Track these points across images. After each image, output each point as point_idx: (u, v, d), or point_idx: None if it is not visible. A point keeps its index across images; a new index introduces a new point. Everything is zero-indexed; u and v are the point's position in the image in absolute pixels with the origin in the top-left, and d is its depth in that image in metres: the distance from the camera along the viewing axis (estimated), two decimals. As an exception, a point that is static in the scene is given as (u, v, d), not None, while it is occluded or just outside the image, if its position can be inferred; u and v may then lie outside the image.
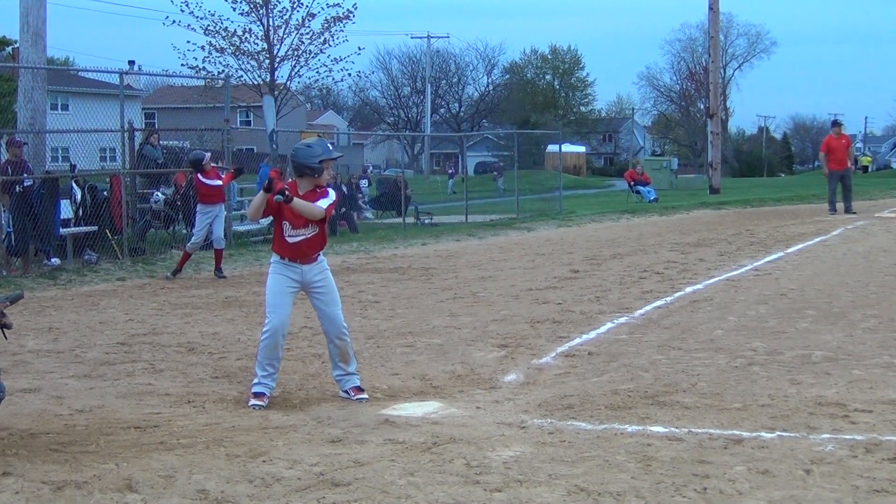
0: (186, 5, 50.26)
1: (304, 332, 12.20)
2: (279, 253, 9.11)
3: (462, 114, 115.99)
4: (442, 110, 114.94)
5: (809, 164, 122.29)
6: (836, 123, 35.04)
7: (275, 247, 9.18)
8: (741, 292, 15.19)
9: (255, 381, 9.02)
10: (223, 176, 19.22)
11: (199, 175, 18.74)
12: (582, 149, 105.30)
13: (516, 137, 40.96)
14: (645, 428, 7.83)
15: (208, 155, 19.25)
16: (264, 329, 9.05)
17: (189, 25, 51.30)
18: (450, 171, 70.71)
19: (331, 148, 9.28)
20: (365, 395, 9.06)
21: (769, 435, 7.57)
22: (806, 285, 15.76)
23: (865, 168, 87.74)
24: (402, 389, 9.44)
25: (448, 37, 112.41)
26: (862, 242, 22.53)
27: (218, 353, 11.37)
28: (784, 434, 7.58)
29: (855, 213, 31.25)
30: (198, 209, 18.87)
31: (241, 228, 26.47)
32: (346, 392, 9.11)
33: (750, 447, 7.27)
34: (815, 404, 8.44)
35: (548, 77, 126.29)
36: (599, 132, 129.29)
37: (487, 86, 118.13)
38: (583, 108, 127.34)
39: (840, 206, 31.83)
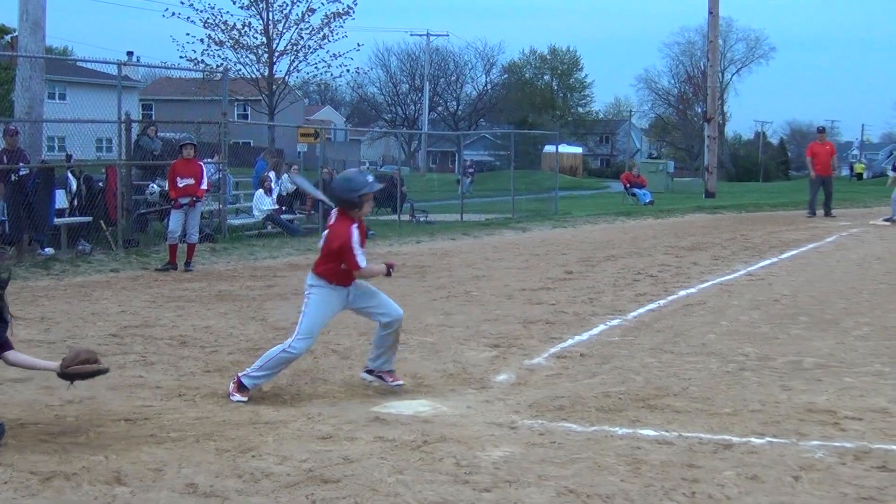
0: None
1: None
2: (329, 279, 8.98)
3: (460, 112, 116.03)
4: (440, 108, 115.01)
5: (805, 169, 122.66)
6: (820, 130, 36.20)
7: (327, 274, 8.99)
8: (734, 297, 15.20)
9: (252, 377, 8.98)
10: (204, 186, 19.25)
11: (175, 168, 18.85)
12: (579, 150, 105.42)
13: (513, 137, 41.00)
14: (635, 431, 7.83)
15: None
16: (293, 349, 8.96)
17: (189, 18, 51.36)
18: (470, 170, 65.52)
19: (371, 179, 9.22)
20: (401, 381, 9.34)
21: (759, 440, 7.58)
22: (799, 291, 15.78)
23: (860, 175, 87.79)
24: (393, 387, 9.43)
25: (447, 35, 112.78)
26: (856, 250, 22.56)
27: (210, 347, 11.35)
28: (774, 440, 7.59)
29: (834, 216, 31.95)
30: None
31: (236, 222, 26.47)
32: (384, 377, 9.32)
33: (739, 452, 7.27)
34: (806, 411, 8.45)
35: (546, 77, 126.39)
36: (597, 134, 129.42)
37: (486, 85, 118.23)
38: (580, 110, 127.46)
39: (820, 211, 32.62)
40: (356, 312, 9.32)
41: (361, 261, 8.85)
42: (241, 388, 8.93)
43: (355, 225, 8.94)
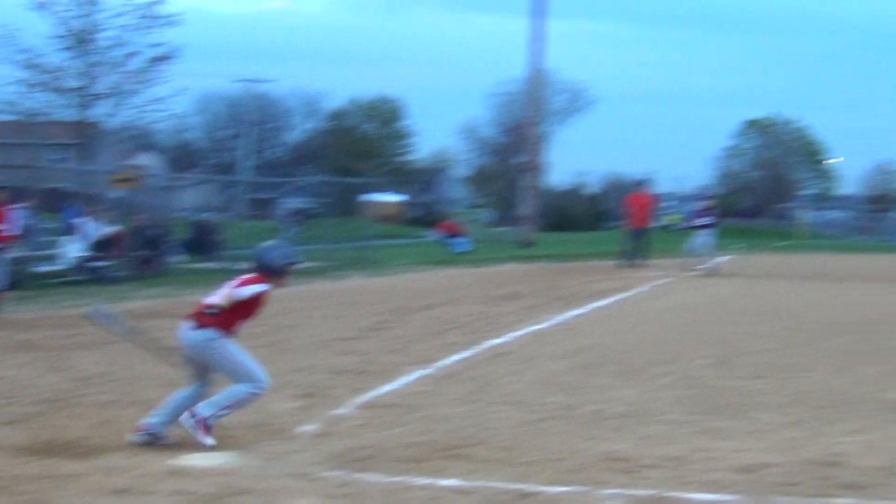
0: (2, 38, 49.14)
1: (98, 379, 11.92)
2: (231, 332, 9.00)
3: (282, 159, 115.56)
4: (262, 154, 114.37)
5: (622, 220, 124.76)
6: (639, 183, 37.21)
7: (229, 330, 9.00)
8: (544, 346, 15.38)
9: (217, 416, 8.88)
10: (11, 232, 18.73)
11: None
12: (400, 198, 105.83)
13: (332, 185, 40.97)
14: (436, 481, 7.83)
15: None
16: (260, 387, 9.01)
17: (5, 59, 50.14)
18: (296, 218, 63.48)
19: (294, 251, 9.36)
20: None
21: (558, 489, 7.65)
22: (607, 340, 16.06)
23: (671, 226, 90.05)
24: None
25: (272, 81, 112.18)
26: (665, 299, 23.10)
27: (6, 399, 10.98)
28: (573, 489, 7.67)
29: (646, 266, 32.85)
30: None
31: (45, 269, 25.83)
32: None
33: (537, 501, 7.34)
34: (606, 459, 8.57)
35: (369, 126, 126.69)
36: (418, 182, 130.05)
37: (308, 132, 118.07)
38: (403, 158, 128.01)
39: (634, 261, 33.57)
40: (196, 362, 9.12)
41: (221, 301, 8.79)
42: (208, 429, 8.79)
43: (269, 289, 8.97)
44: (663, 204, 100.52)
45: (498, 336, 16.42)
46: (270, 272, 9.07)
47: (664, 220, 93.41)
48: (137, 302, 21.31)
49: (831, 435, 9.70)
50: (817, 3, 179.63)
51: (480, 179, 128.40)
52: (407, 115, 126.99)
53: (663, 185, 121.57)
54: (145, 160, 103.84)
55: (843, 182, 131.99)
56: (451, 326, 17.61)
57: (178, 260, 32.77)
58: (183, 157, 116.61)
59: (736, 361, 14.18)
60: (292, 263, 9.20)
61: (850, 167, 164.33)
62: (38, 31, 50.09)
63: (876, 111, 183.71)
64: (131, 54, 52.02)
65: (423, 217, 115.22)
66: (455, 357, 14.21)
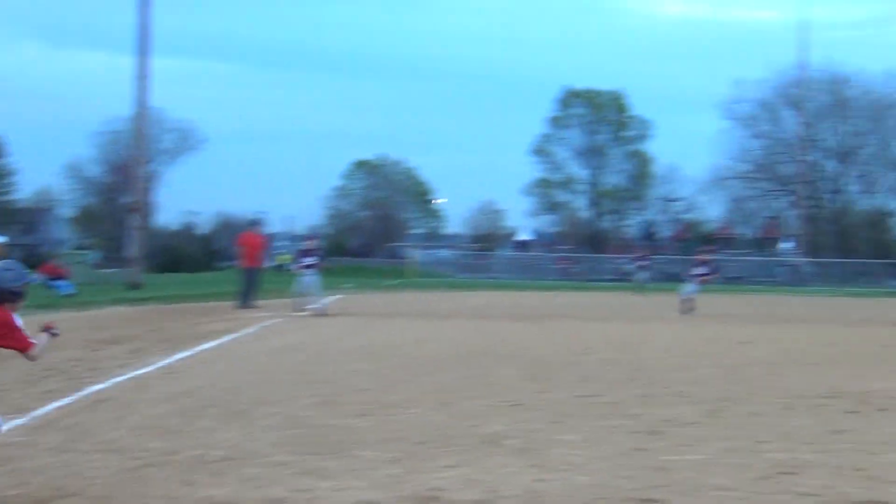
0: None
1: None
2: None
3: None
4: None
5: (234, 260, 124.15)
6: (253, 222, 37.46)
7: None
8: (147, 391, 15.04)
9: None
10: None
11: None
12: (1, 239, 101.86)
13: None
14: (24, 537, 7.50)
15: None
16: None
17: None
18: None
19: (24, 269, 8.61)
20: None
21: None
22: (213, 383, 15.90)
23: (280, 266, 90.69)
24: None
25: None
26: (273, 340, 23.14)
27: None
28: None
29: (258, 307, 33.10)
30: None
31: None
32: None
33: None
34: (204, 505, 8.45)
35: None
36: (20, 222, 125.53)
37: None
38: (3, 198, 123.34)
39: (247, 301, 33.78)
40: None
41: (33, 338, 8.47)
42: None
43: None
44: (275, 243, 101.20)
45: (100, 382, 15.92)
46: (12, 295, 8.49)
47: (276, 260, 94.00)
48: None
49: (430, 470, 9.91)
50: (420, 48, 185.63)
51: (86, 220, 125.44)
52: (8, 153, 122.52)
53: (275, 225, 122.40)
54: None
55: (449, 221, 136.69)
56: (49, 373, 16.90)
57: None
58: None
59: (341, 400, 14.32)
60: (27, 283, 8.54)
61: (455, 207, 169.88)
62: None
63: (478, 153, 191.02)
64: None
65: (26, 259, 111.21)
66: (53, 405, 13.64)
